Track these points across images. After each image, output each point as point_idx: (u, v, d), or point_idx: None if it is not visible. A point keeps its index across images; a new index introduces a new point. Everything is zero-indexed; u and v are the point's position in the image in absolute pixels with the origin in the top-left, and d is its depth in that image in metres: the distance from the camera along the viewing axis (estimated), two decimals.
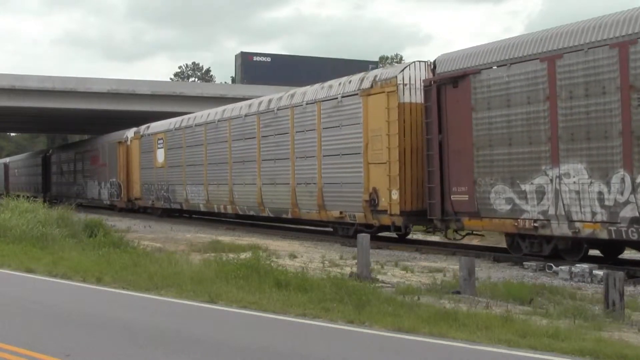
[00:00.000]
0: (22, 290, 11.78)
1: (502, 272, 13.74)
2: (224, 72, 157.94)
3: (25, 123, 55.20)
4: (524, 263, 14.43)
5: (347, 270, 13.32)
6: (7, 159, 75.49)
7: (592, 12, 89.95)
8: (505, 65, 14.75)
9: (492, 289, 10.95)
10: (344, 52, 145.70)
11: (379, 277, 12.74)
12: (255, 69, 59.29)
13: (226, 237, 21.23)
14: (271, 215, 23.43)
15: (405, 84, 17.70)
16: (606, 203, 12.92)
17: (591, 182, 13.14)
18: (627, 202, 12.59)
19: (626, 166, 12.58)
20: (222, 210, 26.80)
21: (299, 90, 22.65)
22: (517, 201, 14.49)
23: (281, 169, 22.30)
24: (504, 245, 16.69)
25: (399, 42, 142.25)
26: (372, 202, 18.23)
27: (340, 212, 19.57)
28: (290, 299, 10.12)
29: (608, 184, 12.87)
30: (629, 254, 15.79)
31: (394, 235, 19.81)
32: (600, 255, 15.04)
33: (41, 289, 12.02)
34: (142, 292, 11.26)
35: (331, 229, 21.24)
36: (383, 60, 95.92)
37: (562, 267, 13.13)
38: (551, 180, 13.84)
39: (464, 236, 17.19)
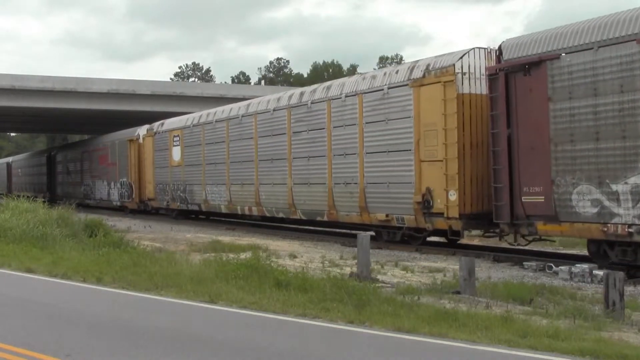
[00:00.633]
0: (22, 290, 11.78)
1: (502, 272, 13.74)
2: (224, 72, 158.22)
3: (25, 123, 55.19)
4: (524, 263, 14.42)
5: (347, 270, 13.32)
6: (9, 158, 74.48)
7: (592, 12, 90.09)
8: (592, 48, 13.05)
9: (492, 289, 10.95)
10: (344, 52, 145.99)
11: (379, 277, 12.74)
12: None
13: (226, 237, 21.23)
14: (303, 217, 21.81)
15: (464, 73, 15.97)
16: None
17: None
18: None
19: None
20: (247, 212, 25.07)
21: (336, 82, 21.10)
22: (607, 203, 12.80)
23: (316, 167, 20.65)
24: (578, 251, 16.03)
25: (399, 42, 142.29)
26: (425, 204, 16.60)
27: (387, 215, 17.91)
28: (290, 299, 10.12)
29: None
30: None
31: (439, 239, 18.50)
32: None
33: (41, 289, 12.02)
34: (142, 292, 11.26)
35: (373, 233, 19.00)
36: (383, 60, 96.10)
37: (562, 267, 13.11)
38: None
39: (530, 241, 15.51)
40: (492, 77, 15.09)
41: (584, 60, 13.17)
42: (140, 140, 34.40)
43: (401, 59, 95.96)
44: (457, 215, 15.84)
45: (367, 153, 18.56)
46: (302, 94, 21.88)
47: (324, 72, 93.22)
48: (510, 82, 14.56)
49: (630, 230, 12.48)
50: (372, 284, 11.12)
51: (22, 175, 64.38)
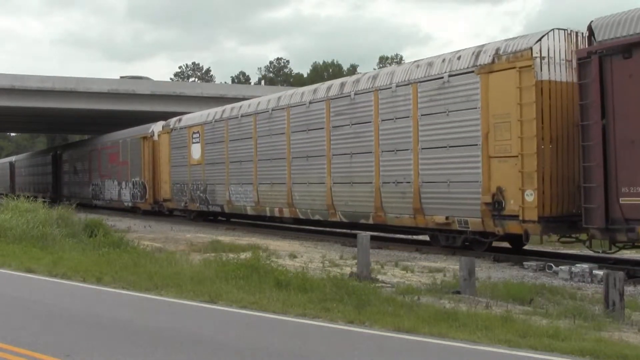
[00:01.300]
0: (22, 290, 11.78)
1: (502, 272, 13.73)
2: (224, 72, 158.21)
3: (25, 123, 55.19)
4: (524, 263, 14.41)
5: (347, 270, 13.32)
6: (12, 158, 73.10)
7: (592, 12, 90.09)
8: None
9: (492, 289, 10.95)
10: (344, 52, 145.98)
11: (379, 277, 12.74)
12: None
13: (226, 237, 21.22)
14: (344, 220, 19.92)
15: (544, 57, 14.22)
16: None
17: None
18: None
19: None
20: (277, 214, 23.05)
21: (383, 71, 19.19)
22: None
23: (360, 165, 18.79)
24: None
25: (399, 42, 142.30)
26: (495, 206, 14.91)
27: (446, 218, 16.17)
28: (290, 299, 10.12)
29: None
30: (629, 254, 15.77)
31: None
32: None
33: (41, 289, 12.02)
34: (142, 292, 11.26)
35: (428, 238, 17.93)
36: (383, 60, 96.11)
37: (562, 267, 13.10)
38: None
39: (620, 248, 13.88)
40: (582, 62, 13.18)
41: None
42: (155, 138, 32.61)
43: (401, 59, 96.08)
44: (536, 218, 14.12)
45: (422, 149, 16.76)
46: (342, 84, 20.08)
47: (324, 72, 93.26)
48: (605, 67, 12.72)
49: None
50: (372, 284, 11.13)
51: (25, 175, 62.87)
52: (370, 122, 18.45)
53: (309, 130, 20.97)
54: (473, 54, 15.84)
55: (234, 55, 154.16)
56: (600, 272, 12.04)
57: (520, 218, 14.43)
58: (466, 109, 15.68)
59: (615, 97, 12.62)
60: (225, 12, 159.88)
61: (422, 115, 16.79)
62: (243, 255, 14.31)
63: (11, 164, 69.08)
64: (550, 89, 14.36)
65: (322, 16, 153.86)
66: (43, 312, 9.78)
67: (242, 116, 24.92)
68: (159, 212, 32.77)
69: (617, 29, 12.87)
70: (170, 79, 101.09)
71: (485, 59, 15.42)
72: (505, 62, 14.87)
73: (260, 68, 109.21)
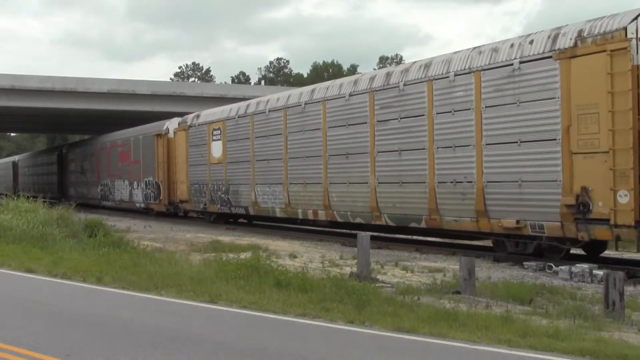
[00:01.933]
0: (22, 290, 11.78)
1: (502, 272, 13.73)
2: (224, 72, 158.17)
3: (25, 123, 55.18)
4: (524, 263, 14.38)
5: (347, 270, 13.32)
6: (16, 157, 71.64)
7: (592, 12, 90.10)
8: None
9: (492, 289, 10.95)
10: (344, 52, 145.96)
11: (379, 277, 12.74)
12: None
13: (226, 237, 21.22)
14: (391, 223, 18.15)
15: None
16: None
17: None
18: None
19: None
20: (310, 217, 21.29)
21: (437, 58, 17.17)
22: None
23: (411, 163, 17.11)
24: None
25: (399, 42, 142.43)
26: (580, 208, 13.23)
27: (517, 222, 14.50)
28: (290, 299, 10.13)
29: None
30: (629, 254, 15.78)
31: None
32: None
33: (41, 289, 12.02)
34: (142, 292, 11.26)
35: (492, 245, 16.37)
36: (383, 60, 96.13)
37: (562, 267, 13.09)
38: None
39: None
40: None
41: None
42: (170, 135, 30.88)
43: (401, 59, 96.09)
44: (632, 223, 12.50)
45: (487, 144, 15.11)
46: (388, 74, 18.26)
47: (324, 72, 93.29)
48: None
49: None
50: (372, 284, 11.13)
51: (29, 175, 61.15)
52: (423, 115, 16.73)
53: (349, 125, 19.29)
54: (549, 37, 14.18)
55: (234, 55, 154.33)
56: (600, 272, 12.05)
57: (612, 222, 12.78)
58: (542, 99, 14.04)
59: None
60: (225, 12, 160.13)
61: (486, 107, 15.13)
62: (243, 255, 14.32)
63: (14, 164, 67.53)
64: None
65: (322, 16, 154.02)
66: (43, 312, 9.79)
67: (270, 111, 23.19)
68: (174, 213, 31.52)
69: None
70: (170, 79, 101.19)
71: (564, 42, 13.72)
72: (592, 45, 13.17)
73: (260, 68, 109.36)
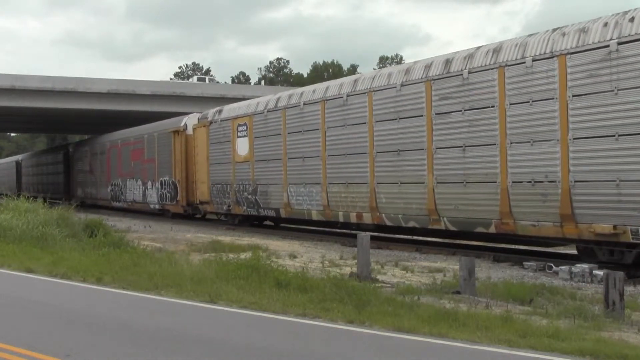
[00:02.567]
0: (22, 290, 11.78)
1: (502, 272, 13.73)
2: (224, 72, 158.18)
3: (25, 123, 55.19)
4: (524, 263, 14.38)
5: (347, 270, 13.32)
6: (19, 156, 70.12)
7: (591, 12, 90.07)
8: None
9: (492, 289, 10.94)
10: (344, 52, 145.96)
11: (379, 277, 12.74)
12: None
13: (226, 237, 21.21)
14: (452, 228, 16.40)
15: None
16: None
17: None
18: None
19: None
20: (354, 220, 19.35)
21: (507, 42, 15.22)
22: None
23: (478, 160, 15.32)
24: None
25: (399, 43, 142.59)
26: None
27: (614, 227, 12.64)
28: (290, 299, 10.12)
29: None
30: None
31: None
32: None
33: (41, 289, 12.02)
34: (142, 292, 11.26)
35: (577, 252, 14.54)
36: (383, 60, 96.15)
37: (562, 267, 13.09)
38: None
39: None
40: None
41: None
42: (189, 132, 29.04)
43: (401, 59, 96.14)
44: None
45: (574, 139, 13.27)
46: (448, 61, 16.32)
47: (324, 72, 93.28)
48: None
49: None
50: (372, 284, 11.12)
51: (33, 175, 59.08)
52: (493, 106, 14.87)
53: (400, 119, 17.38)
54: None
55: (234, 55, 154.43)
56: (600, 272, 12.04)
57: None
58: None
59: None
60: (225, 12, 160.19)
61: (573, 96, 13.27)
62: (243, 256, 14.32)
63: (17, 163, 65.65)
64: None
65: (322, 16, 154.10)
66: (43, 312, 9.78)
67: (304, 104, 21.15)
68: (192, 215, 30.00)
69: None
70: (170, 79, 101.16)
71: None
72: None
73: (260, 68, 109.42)
